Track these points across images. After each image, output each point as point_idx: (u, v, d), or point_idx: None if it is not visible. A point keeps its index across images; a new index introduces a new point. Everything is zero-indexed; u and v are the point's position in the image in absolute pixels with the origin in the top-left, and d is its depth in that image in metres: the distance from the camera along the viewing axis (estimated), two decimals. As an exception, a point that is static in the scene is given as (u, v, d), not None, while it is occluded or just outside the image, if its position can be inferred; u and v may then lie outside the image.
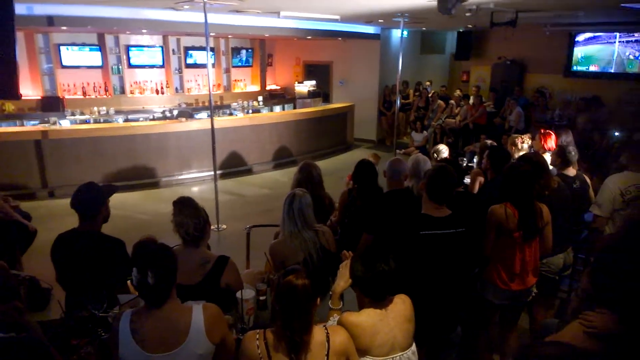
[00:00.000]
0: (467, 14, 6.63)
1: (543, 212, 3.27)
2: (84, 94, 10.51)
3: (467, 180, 5.08)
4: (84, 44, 10.28)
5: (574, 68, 11.54)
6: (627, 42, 10.54)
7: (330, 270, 2.99)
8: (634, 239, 2.27)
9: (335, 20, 9.01)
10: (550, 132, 5.06)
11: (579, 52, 11.42)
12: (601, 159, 7.53)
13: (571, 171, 4.22)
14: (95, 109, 10.05)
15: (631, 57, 10.59)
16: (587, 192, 4.30)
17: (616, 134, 8.10)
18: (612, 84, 10.83)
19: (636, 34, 10.22)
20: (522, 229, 3.17)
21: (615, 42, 10.76)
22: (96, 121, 9.40)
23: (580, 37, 11.28)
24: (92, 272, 2.80)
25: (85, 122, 9.25)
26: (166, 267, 2.03)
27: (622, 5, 6.13)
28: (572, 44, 11.42)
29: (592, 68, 11.25)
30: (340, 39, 11.59)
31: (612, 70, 10.91)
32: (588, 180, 4.47)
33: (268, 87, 14.00)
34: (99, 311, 2.49)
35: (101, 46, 10.51)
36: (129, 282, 2.96)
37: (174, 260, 2.09)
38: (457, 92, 12.09)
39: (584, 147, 8.03)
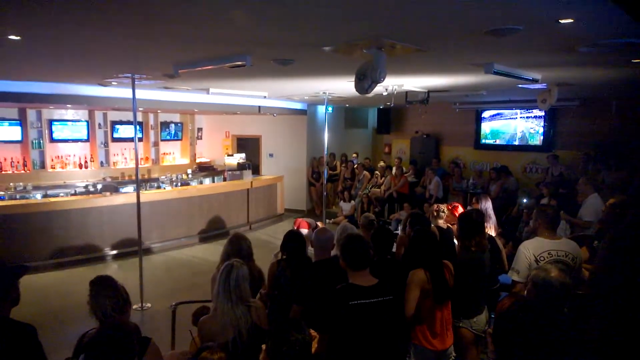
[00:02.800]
0: (384, 94, 7.19)
1: (451, 269, 3.52)
2: (0, 169, 9.98)
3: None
4: (3, 119, 9.90)
5: (483, 141, 12.63)
6: (528, 117, 11.76)
7: (259, 348, 2.96)
8: (535, 297, 2.49)
9: (263, 97, 9.38)
10: (457, 204, 5.48)
11: (486, 127, 12.55)
12: (513, 224, 8.14)
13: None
14: (12, 184, 9.52)
15: (532, 130, 11.77)
16: (499, 253, 4.60)
17: (524, 200, 8.81)
18: (517, 155, 11.95)
19: (534, 111, 11.43)
20: (435, 291, 3.35)
21: (517, 117, 11.96)
22: (11, 198, 8.89)
23: (486, 114, 12.45)
24: None
25: (0, 199, 8.71)
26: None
27: (519, 86, 6.91)
28: (479, 119, 12.56)
29: (499, 141, 12.37)
30: (268, 114, 11.99)
31: (516, 143, 12.04)
32: (499, 242, 4.81)
33: (198, 160, 14.00)
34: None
35: (22, 120, 10.16)
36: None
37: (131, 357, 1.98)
38: (381, 164, 12.74)
39: (497, 213, 8.67)
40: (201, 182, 11.63)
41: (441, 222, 5.15)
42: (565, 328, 2.00)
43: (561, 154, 10.67)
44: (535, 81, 5.91)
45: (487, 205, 5.42)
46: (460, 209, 5.34)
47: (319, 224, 6.02)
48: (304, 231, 5.39)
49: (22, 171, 10.23)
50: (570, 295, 2.79)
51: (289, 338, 2.15)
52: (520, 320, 2.11)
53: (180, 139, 13.66)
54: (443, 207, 5.33)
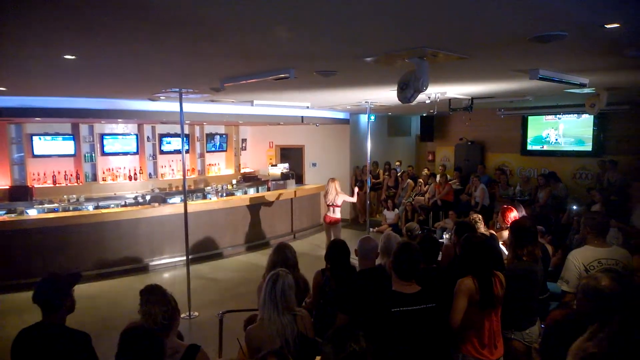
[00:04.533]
0: (427, 101, 7.12)
1: (502, 280, 3.40)
2: (54, 182, 10.51)
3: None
4: (57, 134, 10.44)
5: (529, 147, 12.28)
6: (577, 122, 11.34)
7: (306, 356, 2.98)
8: (585, 308, 2.40)
9: (306, 107, 9.48)
10: (511, 207, 5.32)
11: (532, 132, 12.20)
12: (562, 232, 7.85)
13: None
14: (65, 197, 9.98)
15: (581, 136, 11.33)
16: (547, 260, 4.47)
17: (575, 207, 8.49)
18: (565, 160, 11.59)
19: (583, 115, 11.02)
20: (481, 298, 3.26)
21: (565, 122, 11.56)
22: (65, 209, 9.30)
23: (532, 119, 12.11)
24: None
25: (54, 210, 9.15)
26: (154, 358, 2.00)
27: (566, 90, 6.69)
28: (525, 125, 12.25)
29: (546, 147, 11.98)
30: (311, 123, 12.11)
31: (565, 149, 11.64)
32: (548, 248, 4.67)
33: (242, 170, 14.26)
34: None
35: (75, 135, 10.68)
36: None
37: (162, 351, 2.06)
38: (425, 171, 12.59)
39: (546, 221, 8.38)
40: (246, 192, 11.82)
41: (483, 230, 5.05)
42: None
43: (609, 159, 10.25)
44: (582, 86, 5.70)
45: (522, 214, 5.28)
46: (515, 212, 5.18)
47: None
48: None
49: (75, 183, 10.75)
50: (622, 304, 2.69)
51: (347, 348, 2.15)
52: (570, 335, 2.02)
53: (225, 150, 13.97)
54: (476, 216, 5.25)
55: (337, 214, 8.83)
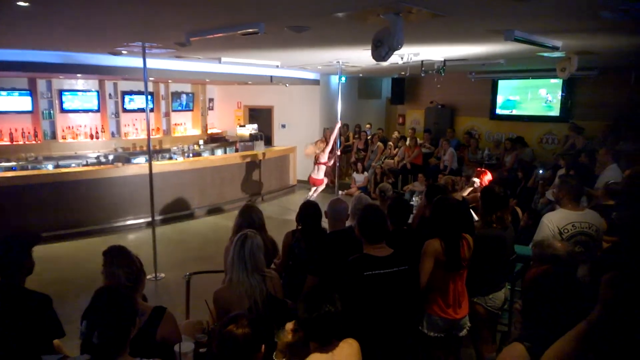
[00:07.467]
0: (400, 62, 7.01)
1: (470, 243, 3.44)
2: (12, 140, 10.01)
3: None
4: (13, 89, 9.88)
5: (498, 111, 12.36)
6: (545, 87, 11.44)
7: (276, 317, 2.95)
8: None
9: (276, 66, 9.22)
10: (485, 170, 5.35)
11: (502, 96, 12.25)
12: (528, 195, 8.02)
13: None
14: (23, 155, 9.56)
15: (549, 100, 11.48)
16: (518, 224, 4.54)
17: (540, 171, 8.67)
18: (533, 125, 11.72)
19: (552, 80, 11.11)
20: (446, 260, 3.30)
21: (534, 87, 11.64)
22: (23, 168, 8.93)
23: (502, 83, 12.14)
24: (14, 331, 2.58)
25: (11, 169, 8.76)
26: (118, 326, 1.91)
27: (538, 54, 6.70)
28: (495, 89, 12.26)
29: (515, 111, 12.10)
30: (280, 84, 11.84)
31: (533, 113, 11.76)
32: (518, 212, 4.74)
33: (209, 131, 13.94)
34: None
35: (32, 91, 10.13)
36: (55, 341, 2.77)
37: (131, 317, 1.98)
38: (395, 134, 12.58)
39: (512, 184, 8.55)
40: (213, 153, 11.60)
41: (457, 195, 5.07)
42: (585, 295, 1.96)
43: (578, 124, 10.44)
44: (555, 49, 5.70)
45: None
46: (489, 175, 5.21)
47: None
48: None
49: (34, 142, 10.26)
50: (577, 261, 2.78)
51: (322, 308, 2.19)
52: (549, 292, 2.05)
53: (192, 110, 13.58)
54: (457, 179, 5.25)
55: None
